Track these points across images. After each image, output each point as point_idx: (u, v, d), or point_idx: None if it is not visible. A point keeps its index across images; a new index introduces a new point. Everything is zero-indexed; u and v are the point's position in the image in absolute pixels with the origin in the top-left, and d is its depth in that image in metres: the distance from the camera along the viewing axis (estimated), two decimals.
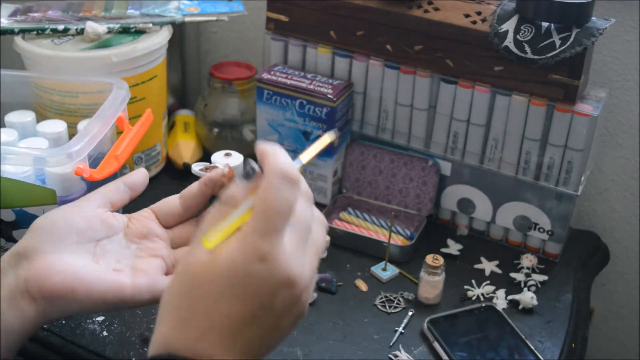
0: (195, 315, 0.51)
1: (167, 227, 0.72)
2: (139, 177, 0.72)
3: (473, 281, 0.91)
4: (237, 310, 0.50)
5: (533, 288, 0.90)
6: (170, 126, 1.16)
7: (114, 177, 0.91)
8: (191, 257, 0.52)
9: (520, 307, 0.87)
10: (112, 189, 0.70)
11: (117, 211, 0.70)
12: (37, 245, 0.61)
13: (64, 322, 0.80)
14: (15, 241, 0.82)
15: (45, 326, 0.79)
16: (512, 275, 0.92)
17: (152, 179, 1.07)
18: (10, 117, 0.90)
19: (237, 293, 0.50)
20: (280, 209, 0.50)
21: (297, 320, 0.54)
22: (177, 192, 1.06)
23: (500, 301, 0.88)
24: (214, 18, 1.06)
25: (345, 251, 0.95)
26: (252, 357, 0.52)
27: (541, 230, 0.95)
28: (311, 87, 0.96)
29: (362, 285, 0.90)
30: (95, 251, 0.64)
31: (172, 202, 0.73)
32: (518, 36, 0.86)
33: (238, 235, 0.51)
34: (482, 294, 0.89)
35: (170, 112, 1.18)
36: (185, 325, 0.51)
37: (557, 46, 0.84)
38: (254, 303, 0.50)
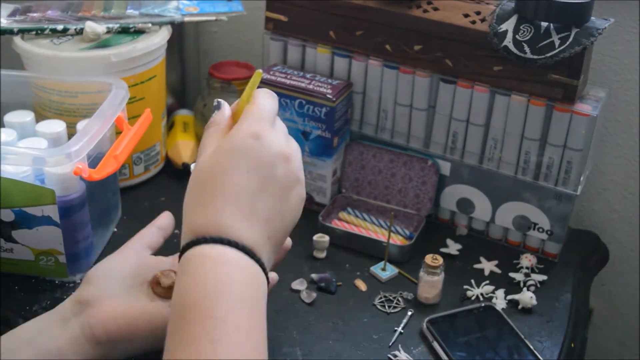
0: (211, 195, 0.58)
1: None
2: (167, 219, 0.81)
3: (472, 281, 0.91)
4: (245, 180, 0.58)
5: (532, 288, 0.90)
6: (170, 126, 1.16)
7: (113, 177, 0.91)
8: (199, 161, 0.61)
9: (519, 307, 0.87)
10: (148, 234, 0.78)
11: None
12: (98, 293, 0.68)
13: None
14: (14, 241, 0.82)
15: None
16: (512, 275, 0.92)
17: (151, 179, 1.08)
18: (10, 117, 0.90)
19: (240, 166, 0.59)
20: (268, 106, 0.64)
21: (301, 202, 0.64)
22: (177, 193, 1.06)
23: (500, 301, 0.88)
24: (213, 18, 1.06)
25: (344, 251, 0.95)
26: (271, 229, 0.60)
27: (540, 230, 0.95)
28: (310, 87, 0.96)
29: (362, 285, 0.90)
30: (149, 292, 0.71)
31: None
32: (517, 36, 0.86)
33: (234, 127, 0.62)
34: (482, 294, 0.89)
35: (170, 112, 1.18)
36: (204, 208, 0.58)
37: (557, 46, 0.84)
38: (258, 173, 0.59)
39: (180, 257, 0.58)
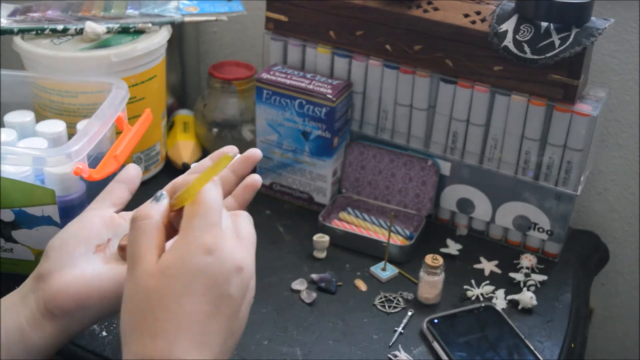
0: (162, 322, 0.51)
1: None
2: (132, 171, 0.73)
3: (472, 281, 0.91)
4: (200, 305, 0.52)
5: (532, 288, 0.90)
6: (170, 126, 1.16)
7: (113, 176, 0.91)
8: (135, 274, 0.54)
9: (519, 307, 0.87)
10: (109, 190, 0.71)
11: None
12: (52, 265, 0.64)
13: None
14: (14, 241, 0.82)
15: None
16: (512, 275, 0.92)
17: (151, 179, 1.08)
18: (10, 117, 0.90)
19: (194, 289, 0.52)
20: (214, 205, 0.55)
21: (249, 307, 0.57)
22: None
23: (500, 301, 0.88)
24: (214, 18, 1.06)
25: (344, 251, 0.95)
26: (224, 351, 0.54)
27: (540, 230, 0.95)
28: (310, 87, 0.96)
29: (362, 285, 0.90)
30: (105, 253, 0.66)
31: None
32: (517, 36, 0.86)
33: (178, 239, 0.54)
34: (482, 294, 0.89)
35: (170, 112, 1.18)
36: (152, 337, 0.51)
37: (557, 46, 0.84)
38: (213, 295, 0.52)
39: None
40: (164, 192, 0.59)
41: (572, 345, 0.84)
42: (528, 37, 0.86)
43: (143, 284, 0.53)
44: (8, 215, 0.79)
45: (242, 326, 0.56)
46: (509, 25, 0.87)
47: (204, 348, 0.52)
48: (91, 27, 0.96)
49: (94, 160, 0.81)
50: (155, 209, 0.57)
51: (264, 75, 0.99)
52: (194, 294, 0.52)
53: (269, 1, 1.01)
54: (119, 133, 0.86)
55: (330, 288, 0.88)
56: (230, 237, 0.55)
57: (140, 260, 0.54)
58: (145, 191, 1.07)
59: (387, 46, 0.95)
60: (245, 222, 0.59)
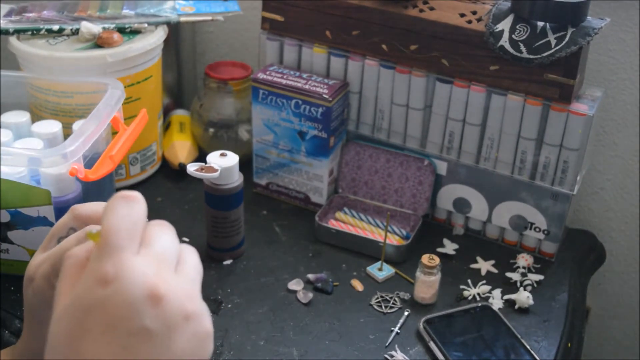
0: None
1: None
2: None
3: (469, 281, 0.91)
4: (100, 347, 0.42)
5: (529, 287, 0.90)
6: (166, 126, 1.16)
7: (109, 177, 0.91)
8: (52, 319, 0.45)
9: (516, 306, 0.87)
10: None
11: None
12: None
13: None
14: (10, 242, 0.82)
15: None
16: (508, 274, 0.92)
17: (147, 180, 1.08)
18: (5, 118, 0.90)
19: (90, 328, 0.43)
20: (119, 226, 0.45)
21: (200, 340, 0.45)
22: (173, 193, 1.06)
23: (496, 301, 0.88)
24: (210, 18, 1.05)
25: (341, 251, 0.95)
26: None
27: (537, 229, 0.95)
28: (307, 87, 0.96)
29: (358, 285, 0.89)
30: None
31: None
32: (513, 36, 0.86)
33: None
34: (478, 294, 0.89)
35: (166, 112, 1.18)
36: None
37: (553, 45, 0.84)
38: (116, 333, 0.42)
39: None
40: (96, 226, 0.51)
41: (569, 344, 0.84)
42: (524, 37, 0.86)
43: (52, 331, 0.45)
44: (4, 216, 0.79)
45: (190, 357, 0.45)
46: (505, 25, 0.87)
47: None
48: (87, 27, 0.96)
49: (90, 161, 0.81)
50: (80, 247, 0.49)
51: (260, 75, 0.99)
52: (92, 334, 0.42)
53: (265, 1, 1.00)
54: (114, 133, 0.86)
55: (326, 288, 0.88)
56: (149, 261, 0.44)
57: (58, 299, 0.46)
58: (141, 192, 1.07)
59: (383, 46, 0.95)
60: (189, 255, 0.48)
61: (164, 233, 0.47)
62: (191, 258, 0.48)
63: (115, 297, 0.42)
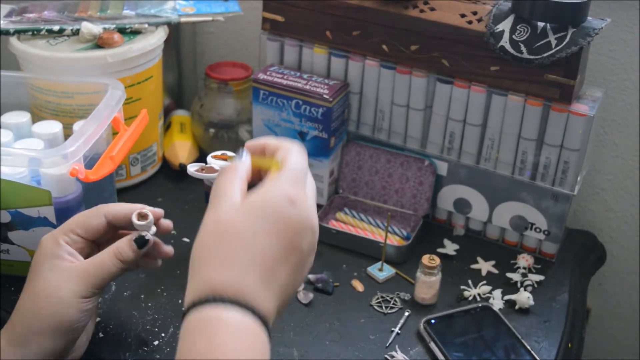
0: (236, 253, 0.54)
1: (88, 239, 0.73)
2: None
3: (469, 281, 0.91)
4: (273, 246, 0.55)
5: (529, 288, 0.90)
6: (167, 127, 1.16)
7: (109, 178, 0.91)
8: (218, 207, 0.57)
9: (516, 307, 0.87)
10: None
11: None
12: None
13: None
14: (10, 242, 0.82)
15: None
16: (509, 275, 0.92)
17: (148, 180, 1.08)
18: (6, 118, 0.90)
19: (272, 229, 0.55)
20: (303, 166, 0.60)
21: (308, 269, 0.60)
22: (174, 193, 1.06)
23: (497, 301, 0.88)
24: (210, 18, 1.05)
25: (341, 251, 0.95)
26: (283, 298, 0.56)
27: (537, 230, 0.95)
28: (307, 87, 0.96)
29: (359, 286, 0.89)
30: None
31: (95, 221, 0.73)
32: (514, 36, 0.86)
33: (264, 184, 0.58)
34: (479, 294, 0.89)
35: (167, 112, 1.18)
36: (224, 265, 0.54)
37: (553, 46, 0.84)
38: (286, 241, 0.56)
39: (187, 306, 0.55)
40: (246, 151, 0.64)
41: (569, 345, 0.84)
42: (524, 37, 0.86)
43: (224, 216, 0.56)
44: (4, 217, 0.79)
45: (300, 283, 0.60)
46: (505, 25, 0.87)
47: (269, 287, 0.54)
48: (87, 27, 0.96)
49: (90, 161, 0.81)
50: (240, 164, 0.62)
51: (261, 76, 0.99)
52: (272, 235, 0.55)
53: (266, 1, 1.00)
54: (115, 134, 0.86)
55: (327, 288, 0.88)
56: (311, 199, 0.59)
57: (225, 196, 0.58)
58: (142, 192, 1.08)
59: (384, 46, 0.95)
60: (312, 182, 0.63)
61: (311, 179, 0.63)
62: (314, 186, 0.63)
63: (295, 217, 0.56)
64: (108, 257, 0.69)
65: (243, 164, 0.62)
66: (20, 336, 0.66)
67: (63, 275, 0.67)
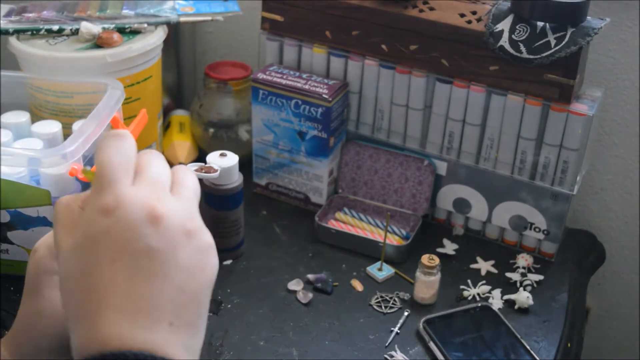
0: (82, 306, 0.45)
1: None
2: None
3: (469, 281, 0.91)
4: (113, 273, 0.45)
5: (529, 288, 0.90)
6: (166, 126, 1.16)
7: None
8: (59, 263, 0.48)
9: (516, 306, 0.87)
10: None
11: None
12: None
13: None
14: (10, 242, 0.82)
15: None
16: (508, 275, 0.92)
17: None
18: (5, 118, 0.90)
19: (101, 258, 0.45)
20: (113, 160, 0.47)
21: (203, 254, 0.48)
22: None
23: (496, 301, 0.88)
24: (209, 18, 1.05)
25: (340, 251, 0.95)
26: (170, 311, 0.45)
27: (537, 229, 0.95)
28: (306, 87, 0.96)
29: (358, 286, 0.89)
30: None
31: None
32: (513, 36, 0.86)
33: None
34: (478, 294, 0.89)
35: (166, 112, 1.18)
36: (80, 323, 0.45)
37: (553, 46, 0.84)
38: (124, 257, 0.45)
39: None
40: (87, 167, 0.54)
41: (569, 345, 0.84)
42: (524, 37, 0.86)
43: (61, 272, 0.47)
44: (4, 216, 0.79)
45: (196, 278, 0.47)
46: (504, 25, 0.87)
47: (138, 317, 0.44)
48: (87, 27, 0.95)
49: (90, 161, 0.81)
50: (72, 196, 0.52)
51: (260, 76, 0.99)
52: (103, 264, 0.45)
53: (265, 1, 1.00)
54: None
55: (326, 288, 0.88)
56: (144, 187, 0.47)
57: (58, 248, 0.49)
58: None
59: (383, 46, 0.95)
60: (182, 174, 0.52)
61: (154, 159, 0.50)
62: (187, 179, 0.51)
63: (118, 223, 0.45)
64: None
65: (73, 197, 0.52)
66: (30, 355, 0.63)
67: None
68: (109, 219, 0.45)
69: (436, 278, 0.86)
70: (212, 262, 0.48)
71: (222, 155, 0.88)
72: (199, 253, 0.47)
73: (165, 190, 0.48)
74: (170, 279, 0.46)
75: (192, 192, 0.50)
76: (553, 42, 0.84)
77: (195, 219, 0.48)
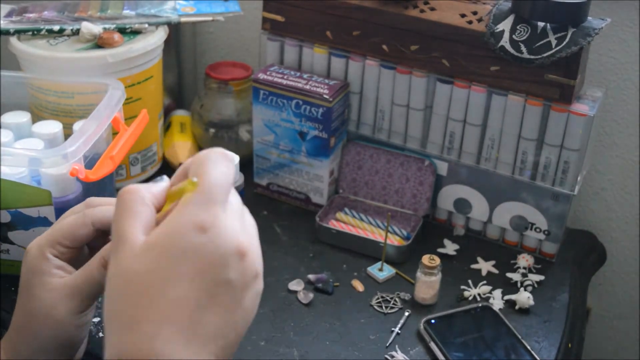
0: (143, 310, 0.44)
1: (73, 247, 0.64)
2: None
3: (469, 281, 0.91)
4: (189, 292, 0.44)
5: (529, 288, 0.90)
6: (167, 127, 1.16)
7: (109, 178, 0.91)
8: (118, 255, 0.47)
9: (516, 307, 0.87)
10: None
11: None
12: None
13: None
14: (10, 242, 0.82)
15: None
16: (509, 275, 0.92)
17: (148, 180, 1.07)
18: (6, 118, 0.90)
19: (182, 272, 0.45)
20: (220, 181, 0.47)
21: (257, 300, 0.49)
22: None
23: (497, 301, 0.88)
24: (210, 18, 1.05)
25: (341, 251, 0.95)
26: (224, 346, 0.46)
27: (538, 230, 0.95)
28: (307, 87, 0.96)
29: (359, 286, 0.89)
30: None
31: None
32: (514, 36, 0.86)
33: (170, 215, 0.47)
34: (479, 294, 0.89)
35: (167, 112, 1.18)
36: (132, 327, 0.44)
37: (553, 46, 0.84)
38: (205, 279, 0.45)
39: None
40: (165, 177, 0.53)
41: (569, 345, 0.84)
42: (525, 37, 0.86)
43: (125, 266, 0.46)
44: (4, 217, 0.79)
45: (248, 319, 0.48)
46: (505, 25, 0.87)
47: (193, 342, 0.44)
48: (87, 27, 0.95)
49: (91, 161, 0.81)
50: (146, 186, 0.50)
51: (261, 76, 0.99)
52: (182, 279, 0.44)
53: (266, 1, 1.00)
54: (115, 134, 0.86)
55: (327, 288, 0.88)
56: (234, 216, 0.48)
57: (124, 239, 0.47)
58: None
59: (384, 46, 0.95)
60: (247, 213, 0.52)
61: (234, 194, 0.50)
62: (250, 218, 0.52)
63: (209, 245, 0.45)
64: (96, 270, 0.60)
65: (148, 190, 0.50)
66: (26, 355, 0.63)
67: (56, 293, 0.61)
68: (201, 237, 0.45)
69: (437, 278, 0.86)
70: (257, 308, 0.49)
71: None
72: (257, 297, 0.49)
73: (244, 224, 0.49)
74: (232, 316, 0.46)
75: (255, 231, 0.52)
76: (554, 43, 0.84)
77: (261, 261, 0.49)
